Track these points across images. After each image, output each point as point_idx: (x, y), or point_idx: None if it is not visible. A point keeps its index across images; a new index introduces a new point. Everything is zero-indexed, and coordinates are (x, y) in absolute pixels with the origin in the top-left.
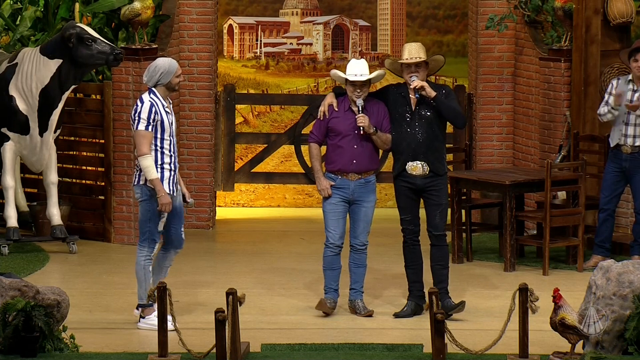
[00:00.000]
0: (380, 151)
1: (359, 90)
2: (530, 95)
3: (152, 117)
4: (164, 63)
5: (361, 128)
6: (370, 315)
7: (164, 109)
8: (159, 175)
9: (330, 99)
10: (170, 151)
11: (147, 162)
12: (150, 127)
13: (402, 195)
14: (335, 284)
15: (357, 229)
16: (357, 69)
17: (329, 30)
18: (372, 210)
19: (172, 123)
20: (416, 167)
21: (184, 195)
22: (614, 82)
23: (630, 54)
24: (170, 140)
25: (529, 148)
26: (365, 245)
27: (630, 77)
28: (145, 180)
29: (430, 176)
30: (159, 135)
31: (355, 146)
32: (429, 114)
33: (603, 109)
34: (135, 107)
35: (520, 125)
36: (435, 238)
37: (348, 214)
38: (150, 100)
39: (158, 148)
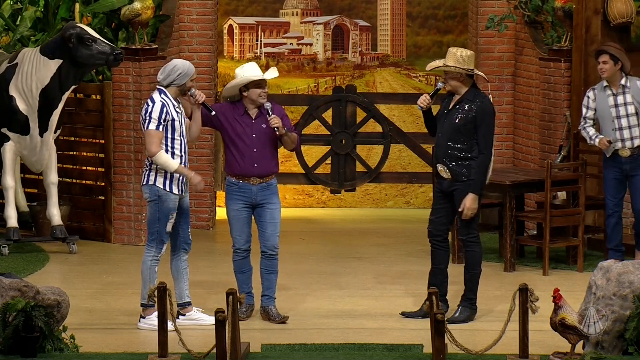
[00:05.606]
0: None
1: (264, 92)
2: (530, 95)
3: (163, 117)
4: (183, 65)
5: (276, 129)
6: (284, 322)
7: (175, 109)
8: (176, 163)
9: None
10: (180, 151)
11: (162, 159)
12: (160, 127)
13: (434, 195)
14: (248, 287)
15: (265, 232)
16: (257, 71)
17: (329, 31)
18: (279, 212)
19: (182, 123)
20: (442, 170)
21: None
22: (590, 93)
23: (595, 55)
24: (181, 141)
25: (529, 148)
26: (277, 250)
27: (605, 83)
28: (155, 180)
29: (453, 181)
30: (169, 136)
31: (255, 150)
32: (456, 120)
33: (588, 133)
34: (145, 106)
35: (520, 125)
36: (462, 243)
37: (253, 219)
38: (161, 100)
39: (169, 148)
